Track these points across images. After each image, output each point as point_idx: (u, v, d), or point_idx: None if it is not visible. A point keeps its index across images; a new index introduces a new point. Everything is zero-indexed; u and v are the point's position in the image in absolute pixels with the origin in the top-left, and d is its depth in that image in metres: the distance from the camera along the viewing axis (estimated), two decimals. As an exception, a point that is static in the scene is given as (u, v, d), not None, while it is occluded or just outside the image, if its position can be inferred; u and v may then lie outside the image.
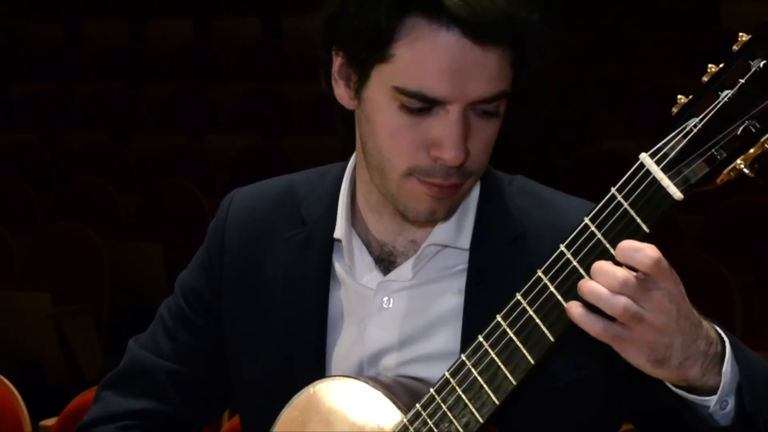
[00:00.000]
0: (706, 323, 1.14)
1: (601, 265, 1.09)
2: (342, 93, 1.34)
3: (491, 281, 1.35)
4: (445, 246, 1.38)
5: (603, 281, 1.08)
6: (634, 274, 1.08)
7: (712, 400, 1.14)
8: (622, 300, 1.07)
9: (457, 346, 1.35)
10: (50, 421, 3.02)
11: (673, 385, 1.15)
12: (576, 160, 6.72)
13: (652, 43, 7.93)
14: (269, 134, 7.50)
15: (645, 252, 1.06)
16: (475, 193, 1.41)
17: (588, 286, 1.09)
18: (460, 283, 1.37)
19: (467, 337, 1.32)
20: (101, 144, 7.59)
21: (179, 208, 6.35)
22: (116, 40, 9.23)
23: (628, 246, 1.07)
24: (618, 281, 1.07)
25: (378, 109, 1.28)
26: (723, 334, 1.16)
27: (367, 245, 1.42)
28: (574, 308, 1.10)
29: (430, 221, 1.36)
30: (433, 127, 1.25)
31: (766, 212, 5.36)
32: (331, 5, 1.31)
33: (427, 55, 1.23)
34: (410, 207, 1.31)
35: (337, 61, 1.33)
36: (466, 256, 1.38)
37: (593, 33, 8.22)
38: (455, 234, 1.38)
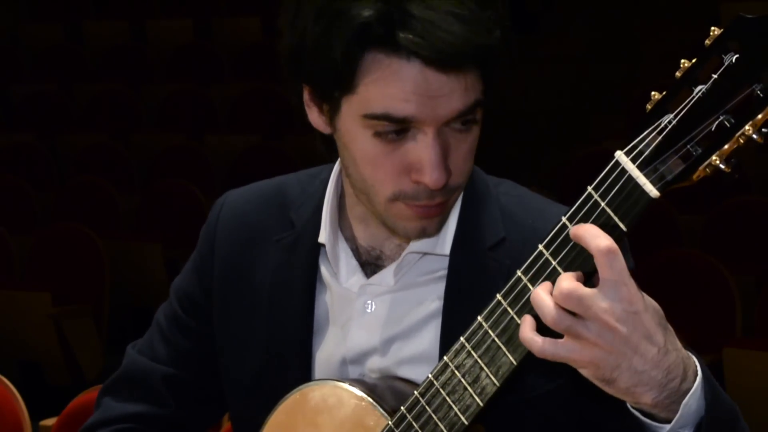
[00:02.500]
0: (678, 356, 1.10)
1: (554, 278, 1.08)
2: (316, 119, 1.33)
3: (470, 286, 1.35)
4: (426, 253, 1.38)
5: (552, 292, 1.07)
6: (582, 289, 1.05)
7: (664, 429, 1.11)
8: (555, 312, 1.05)
9: (437, 351, 1.35)
10: (50, 421, 3.03)
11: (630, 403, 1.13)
12: (576, 161, 6.71)
13: (652, 43, 7.94)
14: (269, 134, 7.50)
15: (601, 239, 1.03)
16: (459, 198, 1.40)
17: (533, 294, 1.08)
18: (441, 287, 1.37)
19: (446, 342, 1.32)
20: (101, 144, 7.60)
21: (179, 208, 6.35)
22: (116, 40, 9.25)
23: (589, 229, 1.05)
24: (560, 293, 1.05)
25: (354, 140, 1.27)
26: (699, 371, 1.12)
27: (354, 249, 1.43)
28: (523, 325, 1.10)
29: (422, 238, 1.36)
30: (410, 151, 1.24)
31: (767, 212, 5.35)
32: (290, 35, 1.29)
33: (391, 84, 1.21)
34: (400, 227, 1.32)
35: (306, 90, 1.32)
36: (447, 261, 1.38)
37: (593, 33, 8.23)
38: (435, 240, 1.38)
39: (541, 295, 1.07)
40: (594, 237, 1.04)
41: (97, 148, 7.53)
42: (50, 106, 8.27)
